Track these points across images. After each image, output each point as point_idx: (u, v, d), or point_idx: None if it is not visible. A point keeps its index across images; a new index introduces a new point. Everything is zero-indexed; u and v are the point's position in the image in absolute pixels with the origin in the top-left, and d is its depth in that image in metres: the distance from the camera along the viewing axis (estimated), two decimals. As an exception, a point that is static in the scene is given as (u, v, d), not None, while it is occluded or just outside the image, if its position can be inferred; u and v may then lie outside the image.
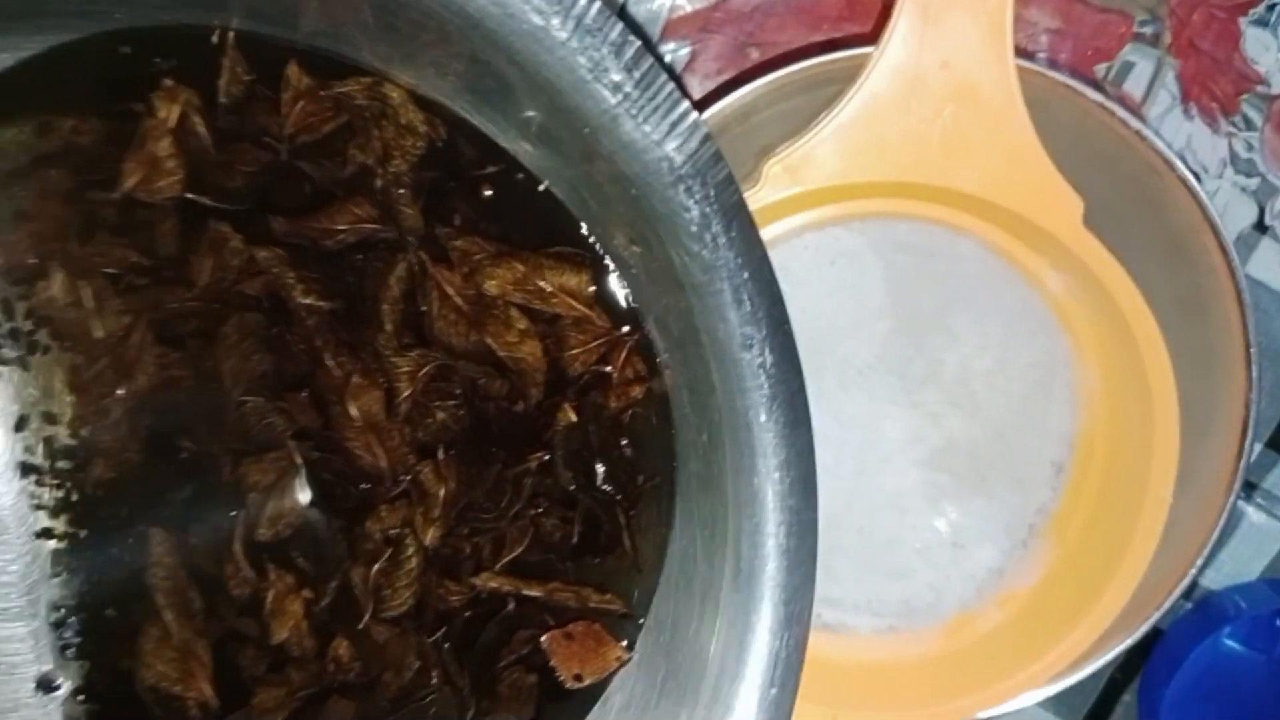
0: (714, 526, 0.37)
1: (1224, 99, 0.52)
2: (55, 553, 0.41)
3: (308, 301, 0.39)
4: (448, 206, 0.40)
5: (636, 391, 0.40)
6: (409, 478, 0.40)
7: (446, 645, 0.41)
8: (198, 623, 0.40)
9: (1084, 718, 0.57)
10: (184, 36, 0.38)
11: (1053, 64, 0.50)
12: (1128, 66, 0.51)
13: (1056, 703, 0.56)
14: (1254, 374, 0.48)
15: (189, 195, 0.39)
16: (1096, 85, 0.49)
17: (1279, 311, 0.53)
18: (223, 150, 0.39)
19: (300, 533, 0.41)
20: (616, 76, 0.31)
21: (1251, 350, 0.48)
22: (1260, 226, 0.53)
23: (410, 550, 0.40)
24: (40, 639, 0.41)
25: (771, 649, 0.34)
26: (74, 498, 0.41)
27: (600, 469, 0.41)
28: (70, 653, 0.41)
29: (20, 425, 0.40)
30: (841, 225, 0.48)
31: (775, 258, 0.34)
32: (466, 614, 0.41)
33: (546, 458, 0.40)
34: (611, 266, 0.39)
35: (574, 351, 0.40)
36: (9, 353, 0.40)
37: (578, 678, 0.40)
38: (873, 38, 0.44)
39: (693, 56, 0.50)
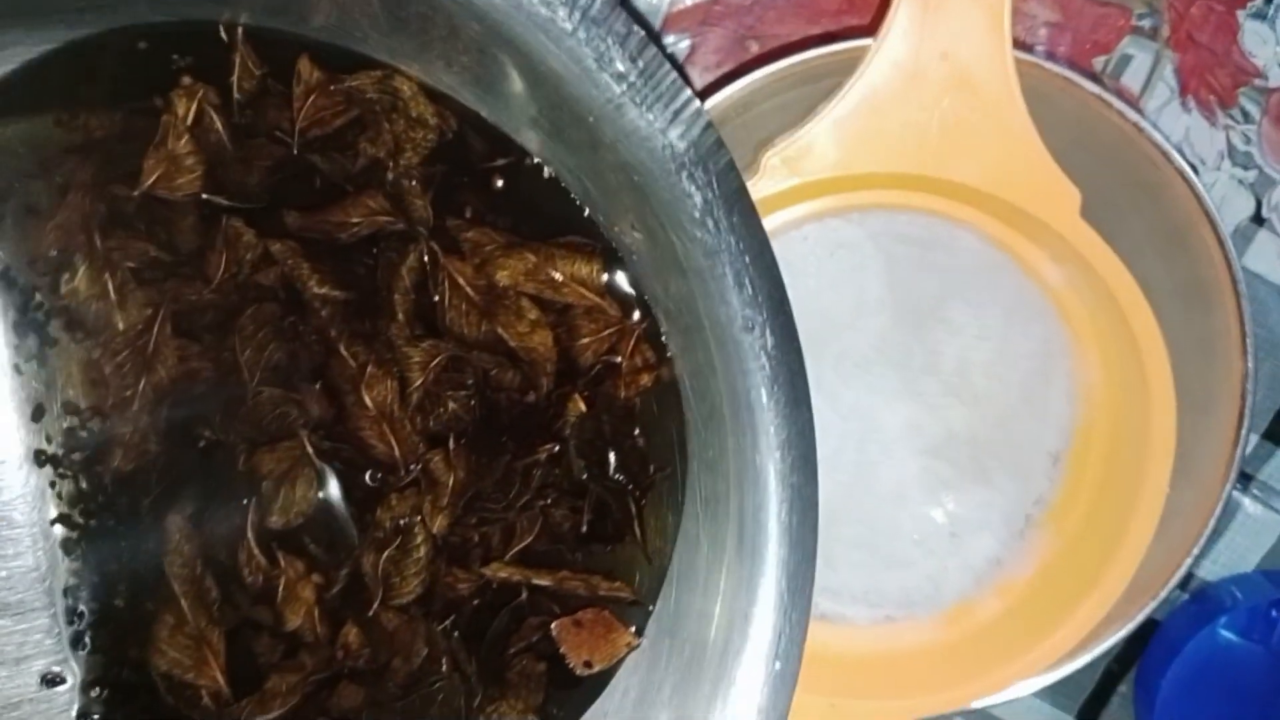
0: (716, 505, 0.38)
1: (1222, 92, 0.53)
2: (70, 542, 0.42)
3: (322, 292, 0.40)
4: (459, 198, 0.41)
5: (645, 379, 0.41)
6: (419, 467, 0.41)
7: (455, 633, 0.42)
8: (213, 611, 0.41)
9: (1081, 708, 0.58)
10: (201, 32, 0.39)
11: (1051, 57, 0.51)
12: (1126, 59, 0.52)
13: (1053, 693, 0.57)
14: (1250, 365, 0.49)
15: (205, 196, 0.40)
16: (1095, 78, 0.50)
17: (1276, 303, 0.54)
18: (240, 146, 0.40)
19: (312, 521, 0.42)
20: (621, 66, 0.32)
21: (1248, 341, 0.49)
22: (1258, 219, 0.54)
23: (419, 538, 0.41)
24: (48, 633, 0.42)
25: (775, 625, 0.36)
26: (91, 488, 0.42)
27: (613, 458, 0.42)
28: (84, 644, 0.42)
29: (38, 415, 0.41)
30: (840, 217, 0.49)
31: (774, 249, 0.35)
32: (475, 602, 0.42)
33: (556, 449, 0.42)
34: (620, 255, 0.40)
35: (585, 340, 0.41)
36: (30, 343, 0.41)
37: (588, 664, 0.41)
38: (871, 30, 0.45)
39: (692, 49, 0.51)
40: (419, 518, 0.41)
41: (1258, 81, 0.53)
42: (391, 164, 0.40)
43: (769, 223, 0.47)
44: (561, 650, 0.41)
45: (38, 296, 0.41)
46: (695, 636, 0.39)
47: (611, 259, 0.40)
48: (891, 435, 0.51)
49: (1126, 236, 0.47)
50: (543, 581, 0.42)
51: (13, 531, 0.42)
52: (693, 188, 0.33)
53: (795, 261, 0.49)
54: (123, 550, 0.42)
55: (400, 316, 0.41)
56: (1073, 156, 0.46)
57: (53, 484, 0.42)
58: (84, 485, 0.42)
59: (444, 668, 0.42)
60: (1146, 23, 0.52)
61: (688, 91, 0.33)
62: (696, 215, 0.34)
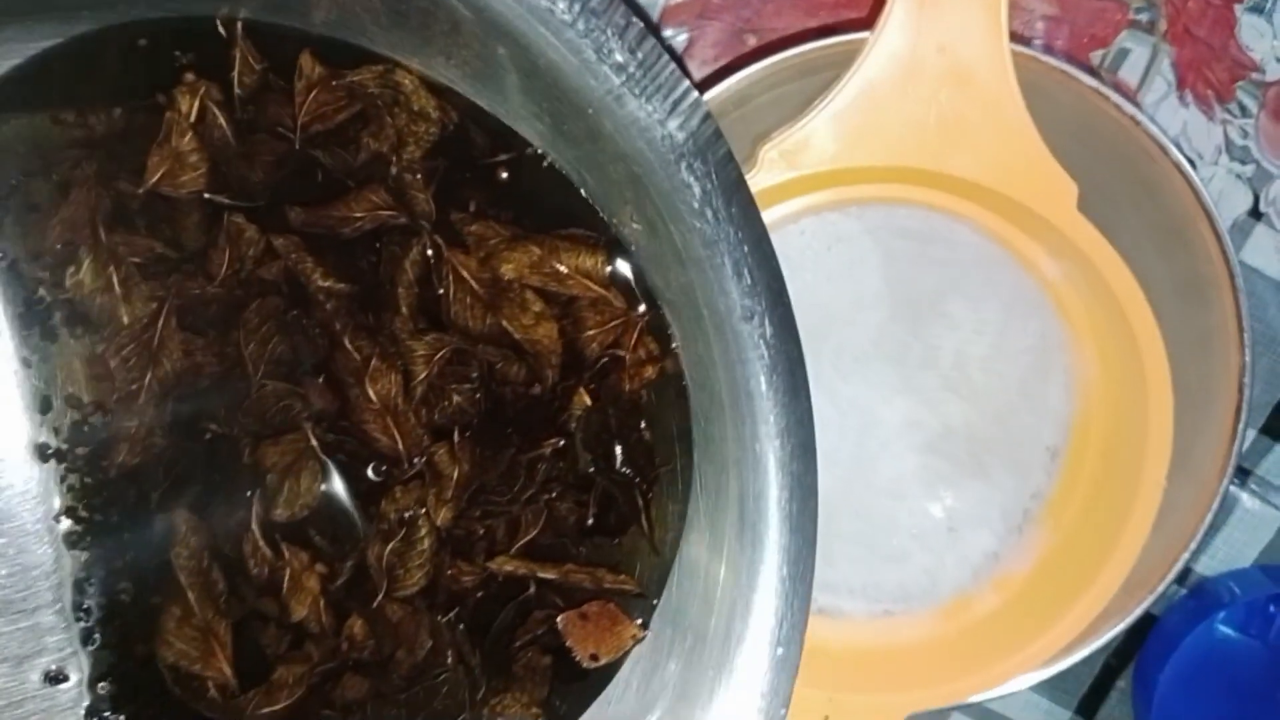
0: (717, 494, 0.39)
1: (1219, 86, 0.53)
2: (76, 536, 0.43)
3: (326, 285, 0.41)
4: (462, 192, 0.41)
5: (650, 372, 0.42)
6: (423, 459, 0.42)
7: (460, 626, 0.43)
8: (219, 603, 0.42)
9: (1079, 703, 0.58)
10: (202, 29, 0.40)
11: (1049, 50, 0.51)
12: (1123, 53, 0.53)
13: (1052, 688, 0.57)
14: (1247, 359, 0.50)
15: (207, 195, 0.40)
16: (1092, 72, 0.51)
17: (1273, 297, 0.55)
18: (243, 141, 0.41)
19: (317, 513, 0.42)
20: (620, 58, 0.33)
21: (1245, 335, 0.49)
22: (1255, 213, 0.55)
23: (423, 531, 0.42)
24: (54, 631, 0.43)
25: (777, 611, 0.37)
26: (97, 482, 0.42)
27: (619, 451, 0.42)
28: (94, 639, 0.43)
29: (45, 408, 0.42)
30: (838, 211, 0.50)
31: (772, 243, 0.36)
32: (479, 594, 0.43)
33: (561, 443, 0.42)
34: (624, 246, 0.41)
35: (591, 333, 0.42)
36: (36, 337, 0.41)
37: (594, 657, 0.42)
38: (869, 23, 0.45)
39: (690, 43, 0.51)
40: (423, 510, 0.42)
41: (1255, 76, 0.53)
42: (394, 158, 0.41)
43: (767, 216, 0.47)
44: (567, 643, 0.42)
45: (42, 291, 0.41)
46: (697, 624, 0.39)
47: (615, 251, 0.41)
48: (889, 430, 0.52)
49: (1124, 231, 0.48)
50: (548, 575, 0.42)
51: (18, 527, 0.42)
52: (691, 178, 0.34)
53: (793, 255, 0.50)
54: (129, 543, 0.42)
55: (404, 310, 0.41)
56: (1070, 150, 0.46)
57: (62, 479, 0.42)
58: (90, 479, 0.42)
59: (448, 660, 0.43)
60: (1144, 16, 0.53)
61: (686, 82, 0.34)
62: (695, 205, 0.34)
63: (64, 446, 0.42)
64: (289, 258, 0.41)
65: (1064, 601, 0.50)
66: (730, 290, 0.35)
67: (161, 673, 0.42)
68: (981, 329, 0.51)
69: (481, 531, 0.43)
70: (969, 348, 0.51)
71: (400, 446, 0.41)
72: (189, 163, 0.40)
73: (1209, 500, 0.51)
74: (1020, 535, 0.53)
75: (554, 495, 0.43)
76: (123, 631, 0.43)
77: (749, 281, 0.35)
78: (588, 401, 0.42)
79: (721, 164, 0.34)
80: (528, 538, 0.43)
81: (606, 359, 0.42)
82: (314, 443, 0.41)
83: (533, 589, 0.43)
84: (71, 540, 0.42)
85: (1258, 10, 0.53)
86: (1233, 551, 0.57)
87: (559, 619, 0.42)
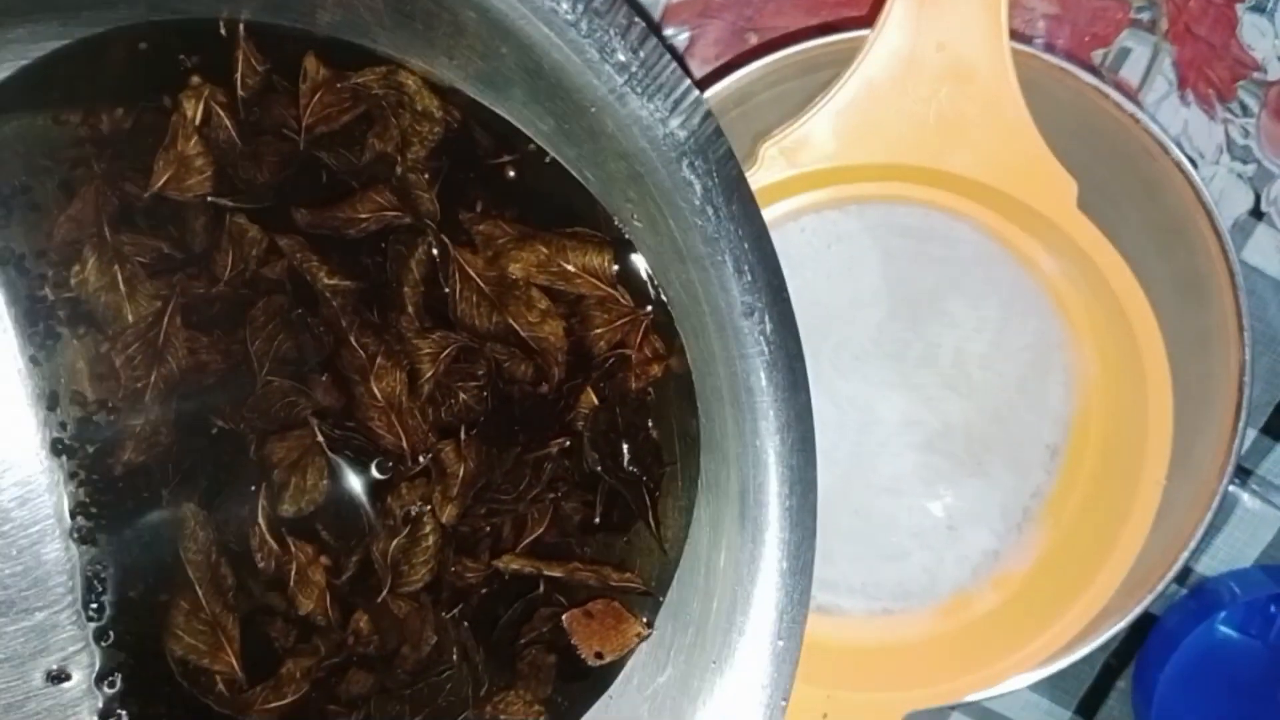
0: (717, 488, 0.40)
1: (1220, 85, 0.54)
2: (86, 533, 0.43)
3: (332, 283, 0.42)
4: (468, 191, 0.43)
5: (655, 370, 0.43)
6: (430, 456, 0.43)
7: (465, 623, 0.44)
8: (228, 597, 0.43)
9: (1079, 702, 0.59)
10: (206, 30, 0.41)
11: (1050, 49, 0.52)
12: (1124, 52, 0.54)
13: (1052, 687, 0.58)
14: (1247, 357, 0.51)
15: (210, 199, 0.41)
16: (1093, 70, 0.52)
17: (1274, 297, 0.56)
18: (248, 142, 0.42)
19: (324, 508, 0.43)
20: (623, 57, 0.34)
21: (1245, 334, 0.50)
22: (1256, 213, 0.55)
23: (428, 528, 0.43)
24: (64, 628, 0.44)
25: (777, 604, 0.38)
26: (105, 479, 0.43)
27: (626, 450, 0.43)
28: (107, 635, 0.43)
29: (53, 404, 0.43)
30: (838, 209, 0.51)
31: (772, 240, 0.37)
32: (483, 591, 0.44)
33: (568, 443, 0.43)
34: (631, 244, 0.42)
35: (598, 331, 0.43)
36: (40, 335, 0.42)
37: (599, 655, 0.43)
38: (869, 21, 0.46)
39: (691, 41, 0.52)
40: (429, 507, 0.43)
41: (1256, 75, 0.54)
42: (399, 158, 0.42)
43: (767, 214, 0.48)
44: (572, 641, 0.43)
45: (45, 289, 0.42)
46: (698, 618, 0.41)
47: (621, 249, 0.42)
48: (888, 428, 0.53)
49: (1124, 229, 0.49)
50: (554, 573, 0.44)
51: (26, 524, 0.43)
52: (693, 176, 0.35)
53: (793, 253, 0.51)
54: (138, 539, 0.43)
55: (410, 309, 0.42)
56: (1070, 149, 0.47)
57: (71, 475, 0.43)
58: (96, 477, 0.43)
59: (453, 656, 0.44)
60: (1145, 15, 0.53)
61: (687, 81, 0.35)
62: (697, 203, 0.35)
63: (72, 444, 0.43)
64: (294, 257, 0.42)
65: (1063, 600, 0.51)
66: (731, 287, 0.36)
67: (171, 667, 0.43)
68: (981, 327, 0.52)
69: (487, 529, 0.44)
70: (968, 346, 0.52)
71: (404, 443, 0.42)
72: (194, 166, 0.41)
73: (1209, 499, 0.52)
74: (1020, 534, 0.54)
75: (560, 494, 0.44)
76: (133, 626, 0.44)
77: (749, 278, 0.36)
78: (595, 400, 0.43)
79: (722, 162, 0.35)
80: (534, 535, 0.44)
81: (613, 358, 0.43)
82: (320, 438, 0.42)
83: (542, 587, 0.44)
84: (81, 537, 0.43)
85: (1259, 9, 0.54)
86: (1233, 551, 0.58)
87: (564, 617, 0.43)
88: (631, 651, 0.43)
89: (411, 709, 0.44)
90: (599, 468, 0.43)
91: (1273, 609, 0.56)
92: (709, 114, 0.35)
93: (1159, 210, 0.51)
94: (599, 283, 0.42)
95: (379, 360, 0.42)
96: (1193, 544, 0.52)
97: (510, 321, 0.43)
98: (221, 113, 0.41)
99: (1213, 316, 0.51)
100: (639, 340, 0.42)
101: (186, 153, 0.41)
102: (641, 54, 0.34)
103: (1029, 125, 0.46)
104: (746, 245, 0.36)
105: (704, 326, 0.38)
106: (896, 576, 0.54)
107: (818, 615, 0.54)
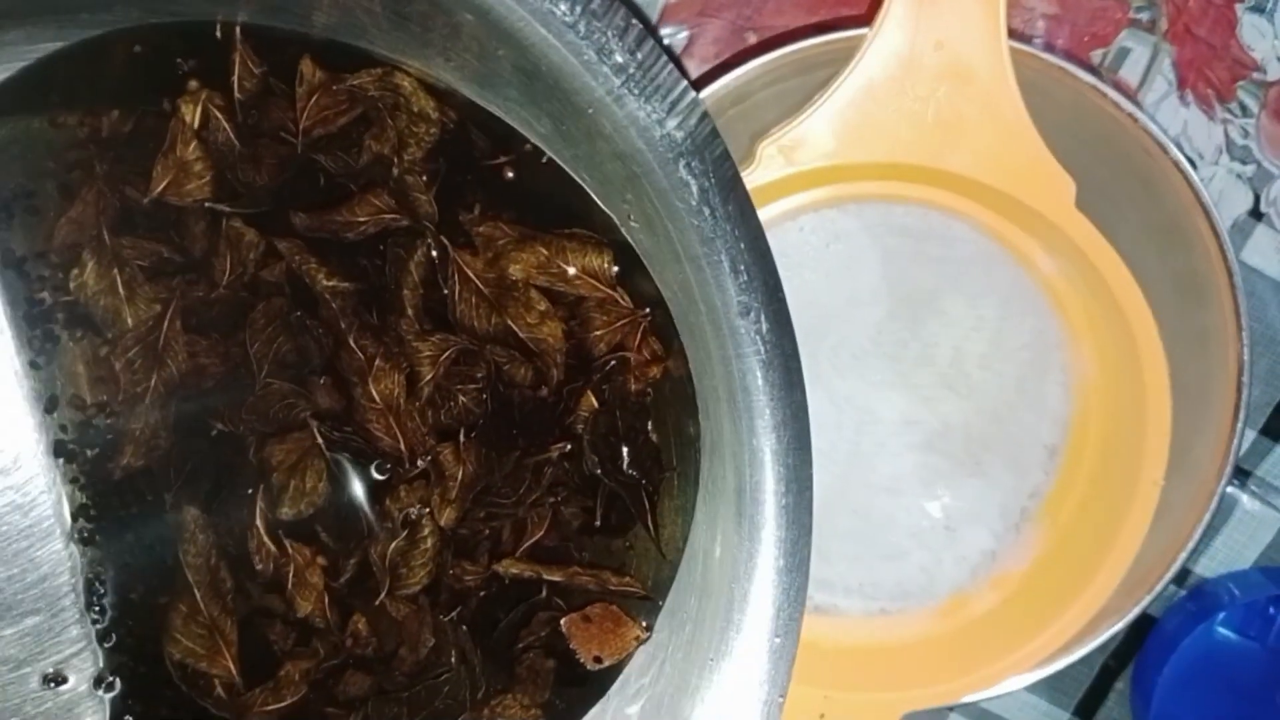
0: (714, 485, 0.41)
1: (1220, 86, 0.55)
2: (86, 536, 0.44)
3: (331, 284, 0.43)
4: (466, 193, 0.43)
5: (654, 371, 0.43)
6: (429, 459, 0.43)
7: (463, 626, 0.45)
8: (226, 600, 0.44)
9: (1077, 705, 0.60)
10: (203, 34, 0.41)
11: (1049, 49, 0.52)
12: (1124, 52, 0.54)
13: (1050, 690, 0.59)
14: (1246, 357, 0.51)
15: (208, 204, 0.42)
16: (1092, 70, 0.53)
17: (1273, 298, 0.56)
18: (247, 145, 0.42)
19: (323, 511, 0.44)
20: (620, 59, 0.35)
21: (1244, 334, 0.51)
22: (1255, 213, 0.56)
23: (427, 530, 0.44)
24: (55, 632, 0.44)
25: (774, 600, 0.39)
26: (105, 483, 0.44)
27: (625, 453, 0.44)
28: (110, 638, 0.44)
29: (51, 408, 0.43)
30: (837, 208, 0.51)
31: (771, 240, 0.38)
32: (481, 594, 0.45)
33: (569, 447, 0.44)
34: (631, 245, 0.43)
35: (599, 333, 0.43)
36: (42, 339, 0.43)
37: (597, 659, 0.44)
38: (868, 20, 0.47)
39: (690, 41, 0.53)
40: (427, 510, 0.43)
41: (1256, 75, 0.55)
42: (396, 160, 0.43)
43: (765, 213, 0.49)
44: (571, 646, 0.44)
45: (46, 292, 0.43)
46: (696, 615, 0.41)
47: (620, 250, 0.43)
48: (886, 427, 0.54)
49: (1123, 229, 0.49)
50: (554, 577, 0.44)
51: (27, 527, 0.44)
52: (689, 176, 0.36)
53: (791, 253, 0.52)
54: (139, 542, 0.44)
55: (409, 311, 0.43)
56: (1069, 147, 0.48)
57: (74, 479, 0.44)
58: (97, 480, 0.44)
59: (451, 659, 0.44)
60: (1144, 15, 0.54)
61: (684, 83, 0.36)
62: (693, 203, 0.36)
63: (71, 447, 0.43)
64: (293, 260, 0.42)
65: (1061, 600, 0.52)
66: (727, 286, 0.37)
67: (168, 666, 0.44)
68: (979, 326, 0.53)
69: (486, 532, 0.44)
70: (967, 345, 0.53)
71: (403, 446, 0.43)
72: (194, 171, 0.42)
73: (1207, 500, 0.52)
74: (1018, 534, 0.55)
75: (560, 499, 0.45)
76: (134, 629, 0.44)
77: (745, 277, 0.37)
78: (595, 403, 0.44)
79: (718, 162, 0.36)
80: (533, 539, 0.44)
81: (613, 360, 0.44)
82: (320, 440, 0.43)
83: (544, 591, 0.45)
84: (82, 538, 0.44)
85: (1259, 10, 0.54)
86: (1232, 553, 0.59)
87: (563, 621, 0.44)
88: (630, 655, 0.44)
89: (409, 711, 0.45)
90: (599, 470, 0.44)
91: (1272, 611, 0.57)
92: (705, 115, 0.36)
93: (1158, 210, 0.51)
94: (599, 284, 0.43)
95: (378, 363, 0.42)
96: (1191, 545, 0.53)
97: (509, 323, 0.43)
98: (219, 116, 0.42)
99: (1211, 317, 0.52)
100: (638, 342, 0.43)
101: (185, 158, 0.42)
102: (639, 55, 0.35)
103: (1028, 125, 0.47)
104: (742, 245, 0.36)
105: (701, 326, 0.39)
106: (894, 577, 0.55)
107: (815, 615, 0.54)
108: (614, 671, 0.44)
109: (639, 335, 0.43)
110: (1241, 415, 0.52)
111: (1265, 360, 0.57)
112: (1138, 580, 0.53)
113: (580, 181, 0.42)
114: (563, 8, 0.34)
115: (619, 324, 0.43)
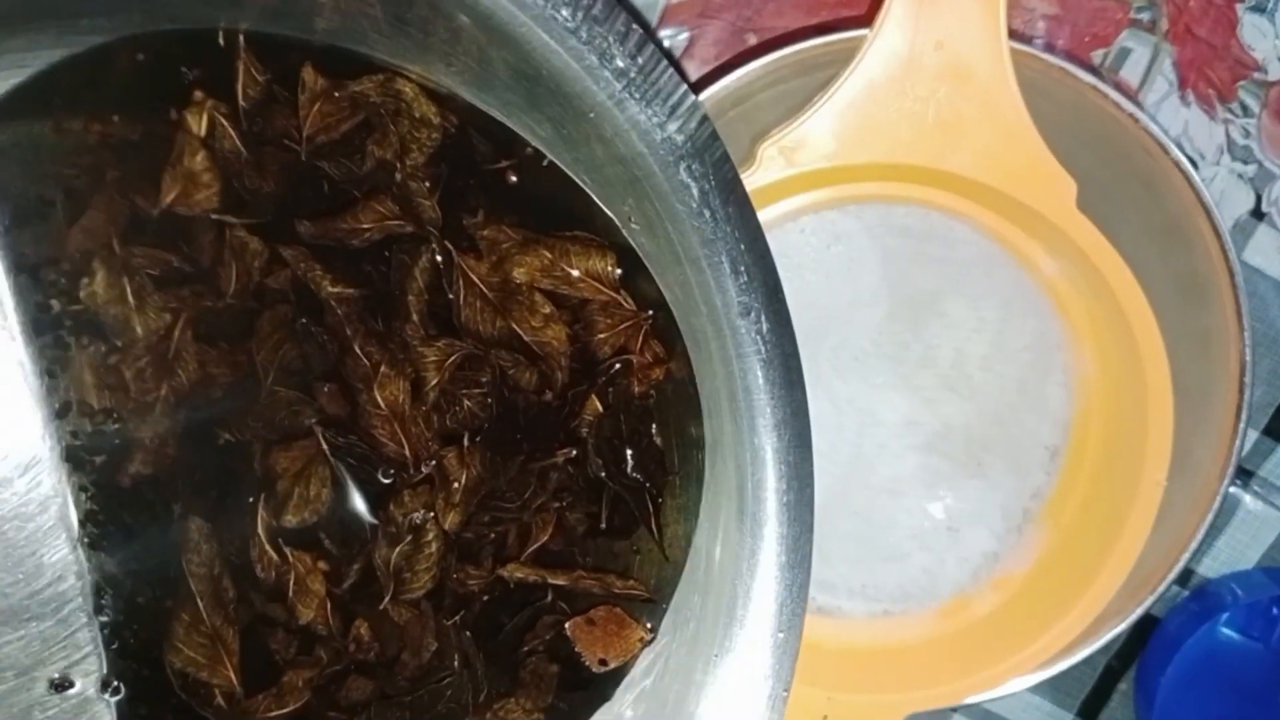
0: (715, 484, 0.42)
1: (1221, 86, 0.55)
2: (93, 543, 0.45)
3: (336, 290, 0.43)
4: (468, 197, 0.44)
5: (656, 373, 0.44)
6: (433, 463, 0.44)
7: (466, 631, 0.45)
8: (229, 610, 0.44)
9: (1080, 705, 0.61)
10: (207, 42, 0.42)
11: (1050, 49, 0.53)
12: (1125, 53, 0.55)
13: (1053, 690, 0.60)
14: (1248, 358, 0.52)
15: (214, 216, 0.43)
16: (1093, 70, 0.53)
17: (1275, 298, 0.57)
18: (252, 152, 0.43)
19: (327, 517, 0.44)
20: (621, 63, 0.36)
21: (1245, 335, 0.51)
22: (1257, 213, 0.57)
23: (431, 534, 0.44)
24: (61, 637, 0.45)
25: (777, 597, 0.39)
26: (113, 489, 0.44)
27: (630, 456, 0.45)
28: (114, 645, 0.45)
29: (61, 414, 0.44)
30: (837, 209, 0.52)
31: (771, 241, 0.38)
32: (484, 598, 0.45)
33: (574, 453, 0.45)
34: (634, 248, 0.43)
35: (603, 335, 0.44)
36: (50, 344, 0.43)
37: (603, 662, 0.44)
38: (868, 20, 0.47)
39: (691, 42, 0.53)
40: (431, 515, 0.44)
41: (1257, 75, 0.55)
42: (399, 165, 0.43)
43: (766, 214, 0.50)
44: (576, 649, 0.45)
45: (55, 300, 0.43)
46: (699, 612, 0.42)
47: (623, 253, 0.43)
48: (888, 429, 0.54)
49: (1124, 230, 0.50)
50: (559, 581, 0.45)
51: (35, 533, 0.44)
52: (690, 179, 0.37)
53: (792, 254, 0.52)
54: (146, 549, 0.45)
55: (414, 317, 0.43)
56: (1070, 148, 0.48)
57: (83, 487, 0.44)
58: (105, 486, 0.44)
59: (454, 663, 0.45)
60: (1145, 15, 0.54)
61: (684, 86, 0.36)
62: (694, 206, 0.37)
63: (80, 454, 0.44)
64: (298, 267, 0.43)
65: (1064, 602, 0.52)
66: (728, 287, 0.37)
67: (169, 674, 0.44)
68: (980, 328, 0.53)
69: (490, 536, 0.45)
70: (968, 346, 0.53)
71: (407, 451, 0.44)
72: (202, 181, 0.42)
73: (1209, 500, 0.53)
74: (1020, 535, 0.55)
75: (564, 504, 0.45)
76: (138, 636, 0.45)
77: (745, 278, 0.37)
78: (599, 407, 0.44)
79: (719, 165, 0.37)
80: (538, 544, 0.45)
81: (617, 364, 0.44)
82: (325, 446, 0.43)
83: (549, 595, 0.45)
84: (90, 543, 0.44)
85: (1260, 9, 0.55)
86: (1235, 553, 0.59)
87: (567, 625, 0.45)
88: (635, 657, 0.45)
89: (412, 715, 0.45)
90: (603, 474, 0.45)
91: (1275, 611, 0.57)
92: (705, 118, 0.37)
93: (1159, 211, 0.52)
94: (602, 287, 0.43)
95: (383, 368, 0.43)
96: (1193, 546, 0.53)
97: (514, 327, 0.44)
98: (225, 124, 0.42)
99: (1213, 318, 0.52)
100: (640, 344, 0.44)
101: (193, 168, 0.42)
102: (640, 60, 0.36)
103: (1028, 125, 0.47)
104: (743, 246, 0.37)
105: (702, 327, 0.39)
106: (896, 578, 0.55)
107: (818, 617, 0.55)
108: (618, 675, 0.45)
109: (641, 337, 0.44)
110: (1243, 416, 0.52)
111: (1267, 360, 0.57)
112: (1140, 581, 0.53)
113: (582, 185, 0.43)
114: (565, 13, 0.35)
115: (622, 327, 0.44)
